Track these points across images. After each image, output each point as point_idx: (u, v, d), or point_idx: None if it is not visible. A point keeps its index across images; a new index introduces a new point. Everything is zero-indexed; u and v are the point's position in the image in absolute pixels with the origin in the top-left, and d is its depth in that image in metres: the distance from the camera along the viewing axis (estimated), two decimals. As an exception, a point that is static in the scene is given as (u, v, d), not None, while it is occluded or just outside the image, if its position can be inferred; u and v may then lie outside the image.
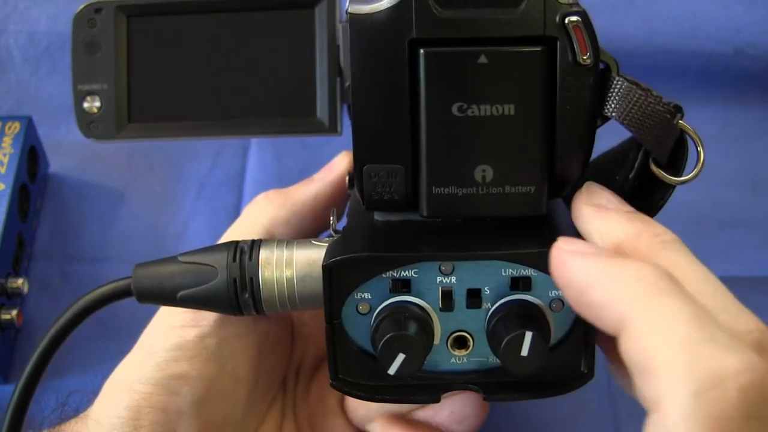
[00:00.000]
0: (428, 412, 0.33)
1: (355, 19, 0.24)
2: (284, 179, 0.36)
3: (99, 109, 0.34)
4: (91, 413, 0.29)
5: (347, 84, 0.27)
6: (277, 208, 0.33)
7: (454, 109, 0.24)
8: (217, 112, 0.34)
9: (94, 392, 0.30)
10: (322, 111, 0.34)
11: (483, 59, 0.24)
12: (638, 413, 0.20)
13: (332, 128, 0.34)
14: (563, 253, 0.23)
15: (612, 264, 0.22)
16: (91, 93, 0.34)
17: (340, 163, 0.34)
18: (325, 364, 0.35)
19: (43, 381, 0.31)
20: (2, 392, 0.44)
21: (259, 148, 0.52)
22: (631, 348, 0.20)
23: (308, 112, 0.34)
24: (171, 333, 0.30)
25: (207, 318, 0.30)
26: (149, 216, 0.50)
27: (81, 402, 0.30)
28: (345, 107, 0.34)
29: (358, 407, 0.34)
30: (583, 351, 0.26)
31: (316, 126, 0.34)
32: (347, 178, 0.33)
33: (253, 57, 0.34)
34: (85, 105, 0.34)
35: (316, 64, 0.33)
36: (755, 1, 0.54)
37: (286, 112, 0.34)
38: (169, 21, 0.34)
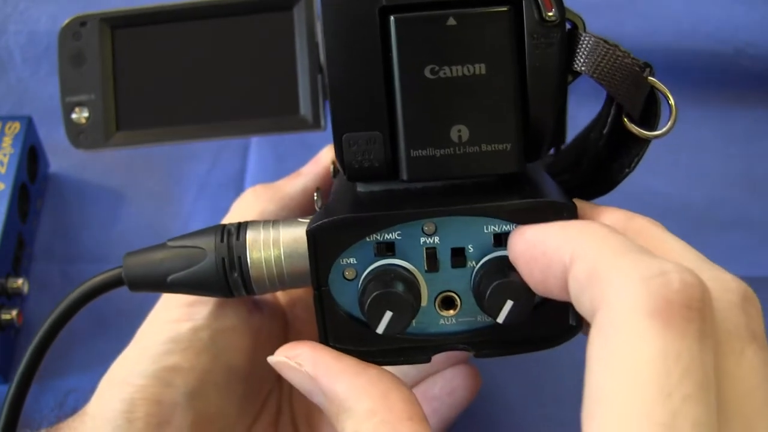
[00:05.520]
0: (422, 388, 0.34)
1: None
2: (284, 179, 0.37)
3: (87, 119, 0.35)
4: (88, 409, 0.29)
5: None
6: (266, 202, 0.34)
7: (427, 71, 0.25)
8: (203, 116, 0.35)
9: (93, 391, 0.30)
10: (305, 108, 0.34)
11: (452, 21, 0.24)
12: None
13: (316, 124, 0.34)
14: (521, 228, 0.24)
15: (560, 224, 0.23)
16: (79, 104, 0.35)
17: (327, 155, 0.35)
18: None
19: (43, 381, 0.31)
20: (2, 392, 0.44)
21: (259, 148, 0.52)
22: (578, 272, 0.21)
23: (292, 110, 0.34)
24: (165, 327, 0.30)
25: (201, 312, 0.30)
26: (149, 216, 0.50)
27: (78, 401, 0.31)
28: (327, 103, 0.34)
29: None
30: (570, 304, 0.26)
31: (300, 123, 0.34)
32: (331, 167, 0.33)
33: (235, 60, 0.35)
34: (74, 116, 0.35)
35: (297, 63, 0.34)
36: (755, 1, 0.54)
37: (270, 112, 0.35)
38: (152, 30, 0.35)
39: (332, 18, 0.25)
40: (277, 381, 0.35)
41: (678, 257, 0.22)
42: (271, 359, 0.26)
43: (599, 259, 0.20)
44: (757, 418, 0.19)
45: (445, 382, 0.34)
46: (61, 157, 0.51)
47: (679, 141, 0.52)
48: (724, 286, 0.21)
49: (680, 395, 0.17)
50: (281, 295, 0.36)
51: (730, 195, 0.51)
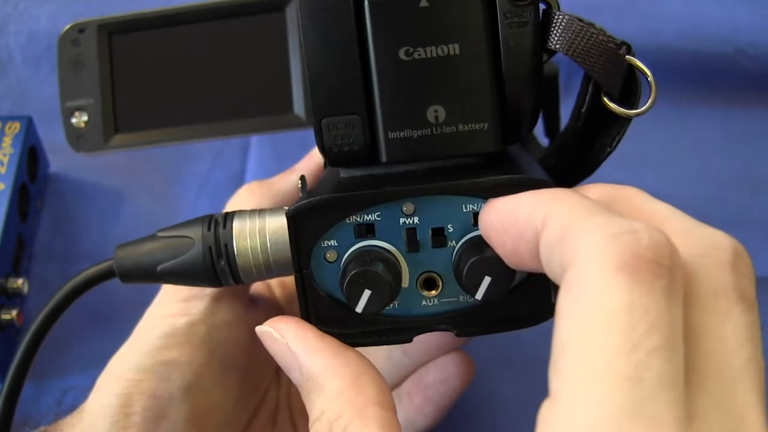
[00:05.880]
0: (416, 376, 0.34)
1: None
2: (284, 179, 0.37)
3: (86, 123, 0.35)
4: (86, 406, 0.30)
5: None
6: (260, 198, 0.34)
7: (401, 53, 0.25)
8: (199, 117, 0.35)
9: (91, 389, 0.30)
10: (298, 107, 0.35)
11: (424, 3, 0.25)
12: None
13: (309, 122, 0.35)
14: (491, 201, 0.24)
15: (531, 192, 0.23)
16: (78, 109, 0.35)
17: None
18: None
19: (42, 381, 0.30)
20: (2, 392, 0.44)
21: (259, 148, 0.52)
22: (550, 234, 0.20)
23: (286, 109, 0.35)
24: (161, 322, 0.30)
25: (197, 306, 0.30)
26: (149, 216, 0.50)
27: (77, 398, 0.31)
28: None
29: None
30: (551, 282, 0.26)
31: (294, 121, 0.35)
32: (322, 162, 0.33)
33: (230, 62, 0.35)
34: (73, 121, 0.35)
35: (290, 62, 0.35)
36: (755, 1, 0.54)
37: (265, 111, 0.35)
38: (148, 35, 0.35)
39: (309, 4, 0.25)
40: (276, 377, 0.36)
41: (665, 220, 0.22)
42: (257, 329, 0.27)
43: (570, 220, 0.20)
44: (736, 379, 0.18)
45: (439, 370, 0.34)
46: (61, 157, 0.51)
47: (679, 141, 0.52)
48: (714, 242, 0.20)
49: (646, 348, 0.17)
50: (278, 292, 0.36)
51: (730, 195, 0.51)
